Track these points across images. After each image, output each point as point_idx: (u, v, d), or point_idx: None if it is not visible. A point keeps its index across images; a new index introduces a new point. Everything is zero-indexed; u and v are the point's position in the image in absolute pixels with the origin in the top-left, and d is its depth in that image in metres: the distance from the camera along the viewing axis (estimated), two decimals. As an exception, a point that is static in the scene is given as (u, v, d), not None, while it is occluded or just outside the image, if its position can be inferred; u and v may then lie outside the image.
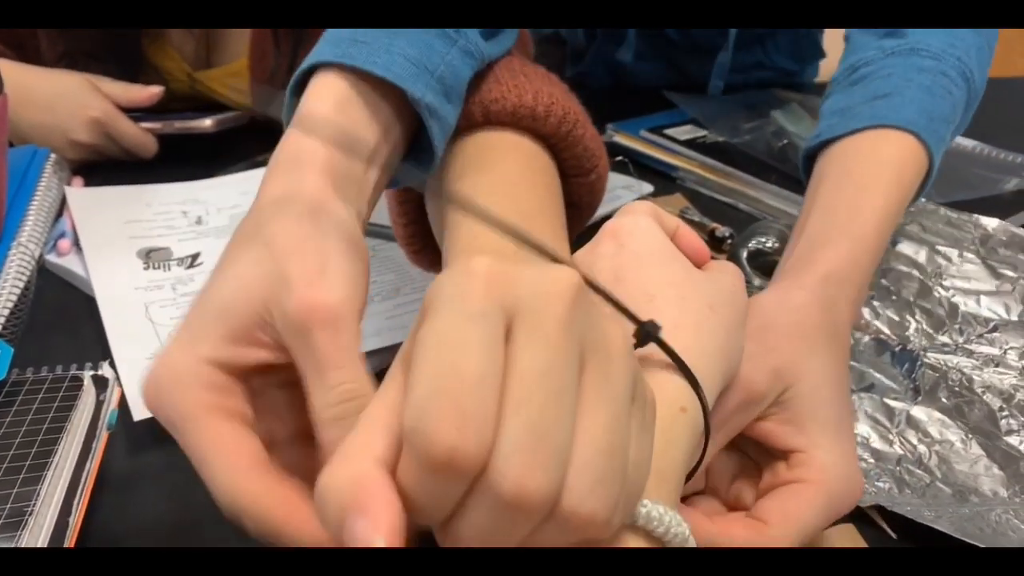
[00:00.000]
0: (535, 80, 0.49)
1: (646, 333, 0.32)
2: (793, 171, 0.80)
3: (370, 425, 0.25)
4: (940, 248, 0.68)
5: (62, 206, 0.68)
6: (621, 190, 0.79)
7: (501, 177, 0.45)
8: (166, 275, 0.62)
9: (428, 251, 0.54)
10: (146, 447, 0.48)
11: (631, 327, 0.32)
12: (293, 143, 0.38)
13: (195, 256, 0.64)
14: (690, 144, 0.86)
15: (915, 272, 0.66)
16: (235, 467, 0.30)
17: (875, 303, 0.63)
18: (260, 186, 0.37)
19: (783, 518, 0.39)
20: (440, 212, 0.47)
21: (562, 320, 0.25)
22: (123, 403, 0.48)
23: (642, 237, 0.39)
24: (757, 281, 0.63)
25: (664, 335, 0.32)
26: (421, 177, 0.45)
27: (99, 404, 0.45)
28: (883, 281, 0.65)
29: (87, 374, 0.46)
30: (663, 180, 0.84)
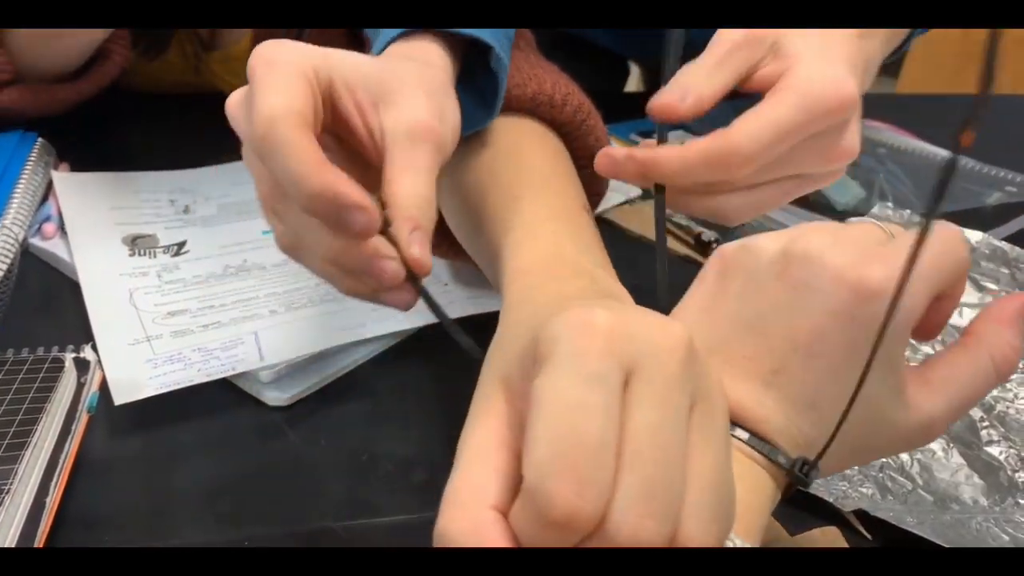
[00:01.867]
0: (551, 71, 0.52)
1: (797, 479, 0.34)
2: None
3: (481, 466, 0.27)
4: (925, 259, 0.68)
5: (48, 190, 0.68)
6: (609, 192, 0.79)
7: (539, 175, 0.46)
8: (152, 262, 0.61)
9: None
10: (126, 432, 0.48)
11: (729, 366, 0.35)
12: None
13: (181, 244, 0.64)
14: (680, 150, 0.86)
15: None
16: (313, 160, 0.33)
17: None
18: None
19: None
20: (461, 194, 0.48)
21: (675, 376, 0.26)
22: (104, 387, 0.47)
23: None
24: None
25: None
26: (482, 124, 0.48)
27: (80, 386, 0.44)
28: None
29: (69, 356, 0.45)
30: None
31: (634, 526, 0.24)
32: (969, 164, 0.89)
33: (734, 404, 0.34)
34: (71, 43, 0.70)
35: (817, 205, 0.77)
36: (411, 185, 0.36)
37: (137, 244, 0.63)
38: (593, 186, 0.53)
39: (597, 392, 0.25)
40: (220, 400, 0.51)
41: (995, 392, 0.57)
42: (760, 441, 0.34)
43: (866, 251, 0.34)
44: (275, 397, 0.50)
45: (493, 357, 0.32)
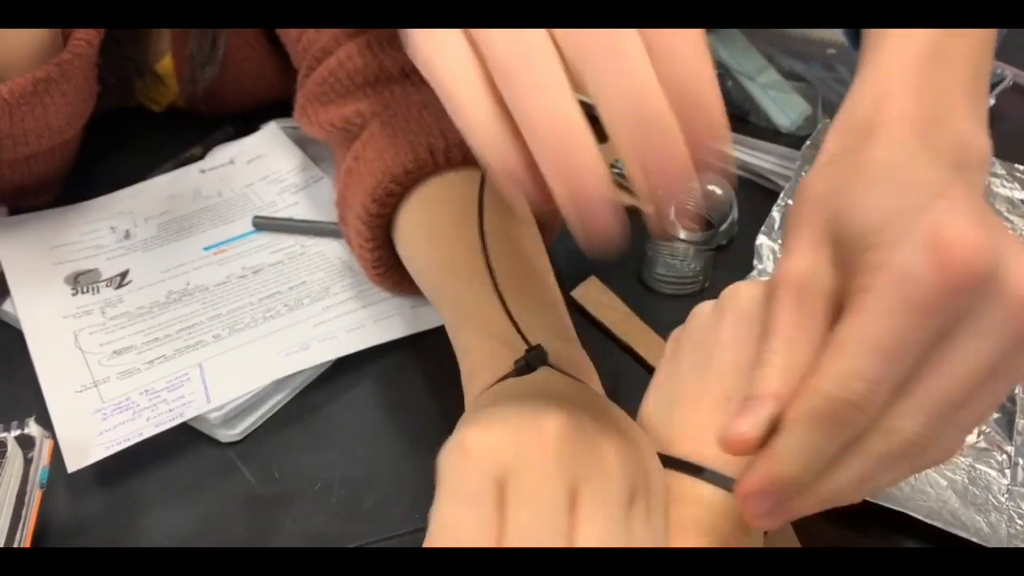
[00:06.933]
0: None
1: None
2: (734, 111, 0.77)
3: None
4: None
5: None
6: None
7: (506, 247, 0.47)
8: (95, 298, 0.61)
9: (392, 273, 0.56)
10: (88, 494, 0.49)
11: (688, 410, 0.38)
12: None
13: (124, 274, 0.64)
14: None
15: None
16: None
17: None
18: None
19: None
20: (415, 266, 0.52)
21: (545, 472, 0.30)
22: (56, 453, 0.48)
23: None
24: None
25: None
26: None
27: (28, 463, 0.45)
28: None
29: (11, 436, 0.46)
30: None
31: None
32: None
33: (691, 449, 0.37)
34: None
35: (760, 129, 0.75)
36: None
37: (79, 281, 0.63)
38: (548, 217, 0.53)
39: (473, 511, 0.30)
40: (173, 441, 0.51)
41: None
42: (716, 475, 0.36)
43: None
44: (226, 434, 0.51)
45: None
